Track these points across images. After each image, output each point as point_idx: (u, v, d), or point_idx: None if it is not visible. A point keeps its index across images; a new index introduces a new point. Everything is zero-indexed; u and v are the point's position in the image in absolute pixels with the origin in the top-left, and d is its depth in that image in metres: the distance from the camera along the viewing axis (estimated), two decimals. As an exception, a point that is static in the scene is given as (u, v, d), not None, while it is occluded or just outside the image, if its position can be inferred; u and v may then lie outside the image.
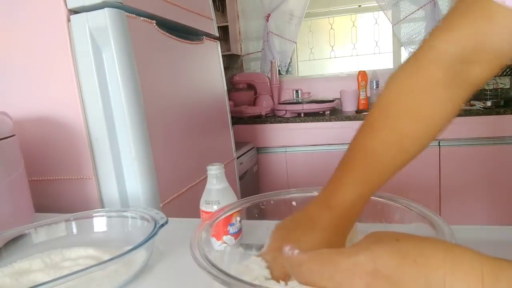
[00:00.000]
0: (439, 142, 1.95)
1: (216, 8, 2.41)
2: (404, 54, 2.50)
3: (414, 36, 2.41)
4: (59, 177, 0.92)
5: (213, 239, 0.52)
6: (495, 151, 1.90)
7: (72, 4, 0.84)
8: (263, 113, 2.29)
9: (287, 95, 2.67)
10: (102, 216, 0.64)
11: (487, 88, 2.14)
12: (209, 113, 1.36)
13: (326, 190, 0.42)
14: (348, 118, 2.09)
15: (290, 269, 0.29)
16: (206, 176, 0.56)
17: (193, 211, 0.67)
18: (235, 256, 0.46)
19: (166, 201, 1.00)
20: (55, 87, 0.89)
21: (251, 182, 2.05)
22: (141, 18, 0.97)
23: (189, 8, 1.22)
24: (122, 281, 0.48)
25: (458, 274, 0.24)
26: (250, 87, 2.51)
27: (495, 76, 2.14)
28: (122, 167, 0.91)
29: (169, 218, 0.56)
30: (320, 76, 2.69)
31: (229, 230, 0.52)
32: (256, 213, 0.52)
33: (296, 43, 2.62)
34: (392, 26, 2.42)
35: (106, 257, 0.51)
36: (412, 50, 2.43)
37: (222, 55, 1.53)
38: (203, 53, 1.35)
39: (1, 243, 0.58)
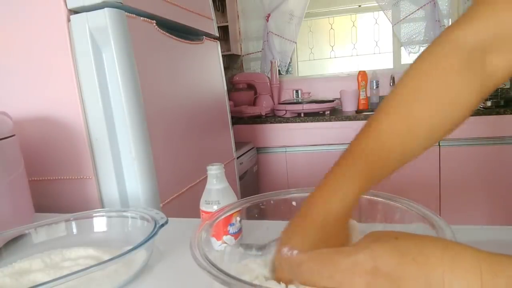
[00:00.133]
0: (439, 142, 1.95)
1: (216, 8, 2.41)
2: (404, 54, 2.50)
3: (414, 36, 2.41)
4: (59, 177, 0.92)
5: (213, 239, 0.52)
6: (495, 151, 1.90)
7: (72, 4, 0.84)
8: (263, 113, 2.29)
9: (287, 95, 2.68)
10: (102, 216, 0.64)
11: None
12: (209, 113, 1.36)
13: (326, 185, 0.40)
14: (348, 118, 2.09)
15: (289, 270, 0.29)
16: (206, 176, 0.56)
17: (193, 211, 0.67)
18: (235, 256, 0.46)
19: (166, 201, 1.00)
20: (55, 87, 0.89)
21: (251, 182, 2.05)
22: (141, 18, 0.97)
23: (189, 8, 1.22)
24: (122, 281, 0.48)
25: (457, 271, 0.24)
26: (250, 87, 2.52)
27: None
28: (122, 167, 0.91)
29: (169, 218, 0.56)
30: (320, 76, 2.69)
31: (229, 230, 0.52)
32: (256, 213, 0.52)
33: (296, 43, 2.62)
34: (392, 26, 2.42)
35: (106, 257, 0.51)
36: (412, 50, 2.43)
37: (222, 55, 1.53)
38: (203, 53, 1.35)
39: (1, 243, 0.58)
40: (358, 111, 2.36)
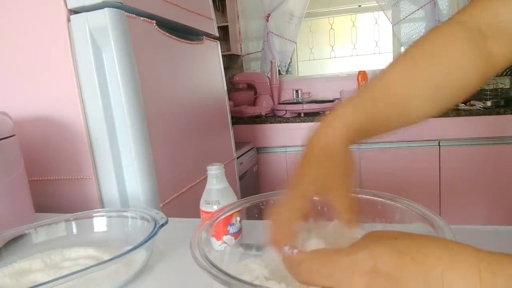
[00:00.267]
0: (439, 142, 1.95)
1: (216, 8, 2.41)
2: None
3: (414, 36, 2.40)
4: (59, 177, 0.92)
5: (213, 239, 0.52)
6: (495, 151, 1.90)
7: (72, 4, 0.84)
8: (263, 113, 2.29)
9: (287, 95, 2.67)
10: (102, 216, 0.64)
11: (487, 88, 2.14)
12: (209, 113, 1.36)
13: (333, 110, 0.42)
14: (348, 118, 2.08)
15: (289, 268, 0.29)
16: (206, 176, 0.56)
17: (193, 211, 0.67)
18: (235, 256, 0.46)
19: (166, 201, 1.00)
20: (55, 87, 0.89)
21: (251, 182, 2.05)
22: (141, 18, 0.97)
23: (189, 8, 1.22)
24: (122, 281, 0.48)
25: (456, 270, 0.24)
26: (250, 87, 2.52)
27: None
28: (122, 167, 0.91)
29: (169, 218, 0.56)
30: (320, 76, 2.69)
31: (229, 230, 0.52)
32: (256, 213, 0.52)
33: (296, 43, 2.62)
34: (392, 26, 2.42)
35: (106, 257, 0.51)
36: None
37: (222, 55, 1.53)
38: (203, 53, 1.35)
39: (1, 243, 0.58)
40: (358, 111, 2.36)
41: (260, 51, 2.67)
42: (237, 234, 0.53)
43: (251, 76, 2.53)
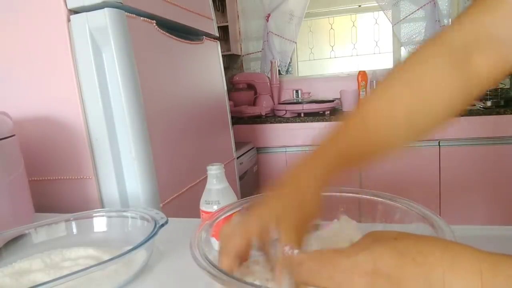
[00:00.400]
0: (439, 142, 1.95)
1: (216, 8, 2.41)
2: (404, 54, 2.50)
3: (414, 36, 2.41)
4: (59, 177, 0.92)
5: (213, 239, 0.52)
6: (495, 151, 1.90)
7: (72, 4, 0.84)
8: (263, 113, 2.29)
9: (287, 95, 2.67)
10: (102, 216, 0.64)
11: (487, 88, 2.13)
12: (209, 113, 1.36)
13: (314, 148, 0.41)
14: (348, 118, 2.08)
15: (289, 269, 0.29)
16: (206, 176, 0.56)
17: (193, 211, 0.67)
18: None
19: (166, 201, 1.00)
20: (55, 87, 0.89)
21: (251, 182, 2.05)
22: (141, 18, 0.97)
23: (189, 8, 1.22)
24: (122, 281, 0.48)
25: (457, 271, 0.24)
26: (250, 87, 2.51)
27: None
28: (122, 167, 0.91)
29: (169, 218, 0.56)
30: (320, 76, 2.69)
31: (229, 230, 0.52)
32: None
33: (296, 43, 2.62)
34: (392, 26, 2.42)
35: (106, 257, 0.51)
36: (411, 50, 2.43)
37: (222, 55, 1.53)
38: (203, 53, 1.35)
39: (1, 243, 0.58)
40: (358, 111, 2.36)
41: (260, 51, 2.67)
42: (237, 234, 0.53)
43: (251, 76, 2.53)
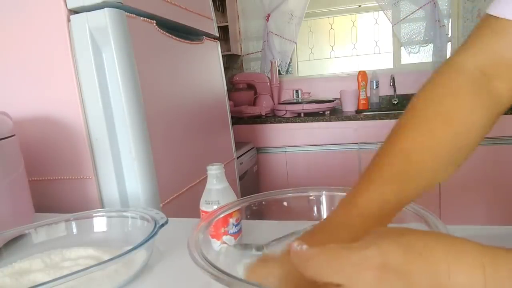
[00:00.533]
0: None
1: (216, 8, 2.41)
2: (404, 54, 2.50)
3: (414, 36, 2.40)
4: (59, 177, 0.92)
5: (213, 239, 0.52)
6: (495, 151, 1.90)
7: (72, 4, 0.85)
8: (263, 113, 2.29)
9: (287, 95, 2.68)
10: (102, 216, 0.64)
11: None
12: (209, 113, 1.36)
13: (352, 191, 0.40)
14: (348, 118, 2.09)
15: (298, 264, 0.29)
16: (206, 176, 0.56)
17: (193, 211, 0.67)
18: (235, 256, 0.46)
19: (166, 201, 1.00)
20: (55, 87, 0.89)
21: (251, 182, 2.05)
22: (141, 18, 0.97)
23: (189, 8, 1.22)
24: (122, 281, 0.48)
25: (461, 266, 0.25)
26: (250, 87, 2.52)
27: None
28: (122, 167, 0.91)
29: (169, 218, 0.56)
30: (320, 76, 2.69)
31: (228, 230, 0.52)
32: (255, 212, 0.52)
33: (296, 43, 2.62)
34: (392, 26, 2.42)
35: (106, 257, 0.51)
36: (412, 50, 2.43)
37: (222, 55, 1.53)
38: (203, 53, 1.35)
39: (1, 243, 0.58)
40: (358, 111, 2.36)
41: (260, 51, 2.67)
42: (237, 234, 0.53)
43: (251, 76, 2.53)
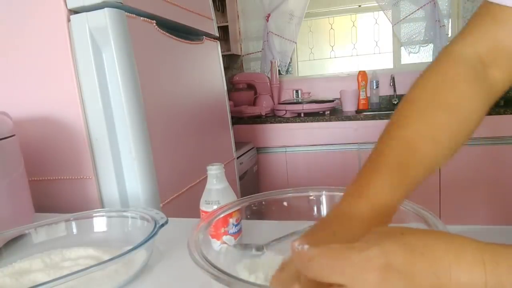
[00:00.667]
0: (439, 142, 1.94)
1: (216, 8, 2.41)
2: (404, 54, 2.50)
3: (414, 36, 2.40)
4: (59, 177, 0.92)
5: (213, 239, 0.52)
6: (495, 151, 1.90)
7: (72, 4, 0.85)
8: (263, 113, 2.29)
9: (287, 95, 2.68)
10: (102, 216, 0.64)
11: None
12: (209, 113, 1.36)
13: (356, 182, 0.39)
14: (348, 118, 2.09)
15: (300, 264, 0.29)
16: (206, 176, 0.56)
17: (193, 211, 0.67)
18: (235, 256, 0.46)
19: (166, 201, 1.00)
20: (55, 87, 0.89)
21: (251, 182, 2.05)
22: (141, 18, 0.97)
23: (189, 8, 1.22)
24: (122, 281, 0.48)
25: (461, 263, 0.25)
26: (250, 87, 2.52)
27: None
28: (122, 167, 0.91)
29: (169, 218, 0.56)
30: (320, 76, 2.69)
31: (228, 230, 0.52)
32: (255, 212, 0.52)
33: (296, 43, 2.62)
34: (392, 26, 2.42)
35: (106, 257, 0.51)
36: (412, 50, 2.43)
37: (222, 55, 1.53)
38: (203, 53, 1.35)
39: (1, 243, 0.58)
40: (358, 111, 2.36)
41: (260, 51, 2.67)
42: (237, 234, 0.53)
43: (251, 76, 2.53)
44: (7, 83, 0.91)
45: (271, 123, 2.18)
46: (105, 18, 0.84)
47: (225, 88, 1.53)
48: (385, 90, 2.49)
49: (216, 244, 0.51)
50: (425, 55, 2.45)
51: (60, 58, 0.86)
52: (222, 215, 0.49)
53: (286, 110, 2.21)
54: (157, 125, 0.99)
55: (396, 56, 2.54)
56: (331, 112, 2.29)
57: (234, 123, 2.05)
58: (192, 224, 0.44)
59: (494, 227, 0.56)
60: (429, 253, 0.26)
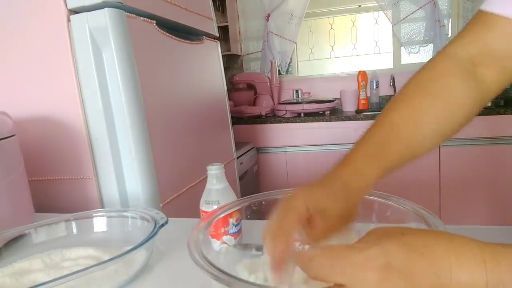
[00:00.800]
0: (439, 142, 1.95)
1: (216, 8, 2.41)
2: (404, 54, 2.50)
3: (414, 36, 2.40)
4: (59, 177, 0.92)
5: (213, 239, 0.52)
6: (495, 151, 1.90)
7: (72, 4, 0.85)
8: (263, 113, 2.29)
9: (287, 95, 2.68)
10: (102, 216, 0.64)
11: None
12: (209, 113, 1.36)
13: (345, 155, 0.44)
14: (348, 118, 2.09)
15: (300, 264, 0.29)
16: (206, 176, 0.56)
17: (193, 211, 0.67)
18: (235, 256, 0.46)
19: (166, 201, 1.00)
20: (55, 87, 0.89)
21: (251, 182, 2.05)
22: (141, 18, 0.97)
23: (189, 8, 1.22)
24: (122, 281, 0.48)
25: (462, 263, 0.25)
26: (250, 87, 2.52)
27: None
28: (122, 167, 0.91)
29: (169, 218, 0.56)
30: (320, 76, 2.69)
31: (228, 230, 0.52)
32: (255, 212, 0.52)
33: (296, 43, 2.62)
34: (392, 26, 2.42)
35: (106, 257, 0.51)
36: (412, 50, 2.43)
37: (222, 55, 1.53)
38: (203, 53, 1.35)
39: (1, 243, 0.58)
40: (358, 111, 2.36)
41: (260, 51, 2.67)
42: (237, 234, 0.53)
43: (251, 76, 2.53)
44: (7, 83, 0.91)
45: (271, 123, 2.18)
46: (105, 18, 0.84)
47: (225, 88, 1.53)
48: (385, 90, 2.49)
49: (216, 244, 0.51)
50: (425, 55, 2.45)
51: (60, 58, 0.86)
52: (222, 215, 0.49)
53: (286, 110, 2.21)
54: (157, 125, 0.99)
55: (396, 56, 2.54)
56: (331, 112, 2.29)
57: (234, 123, 2.05)
58: (192, 224, 0.44)
59: (494, 227, 0.56)
60: (430, 253, 0.26)
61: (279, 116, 2.23)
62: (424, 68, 0.48)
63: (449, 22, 2.36)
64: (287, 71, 2.69)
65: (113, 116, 0.89)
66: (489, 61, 0.45)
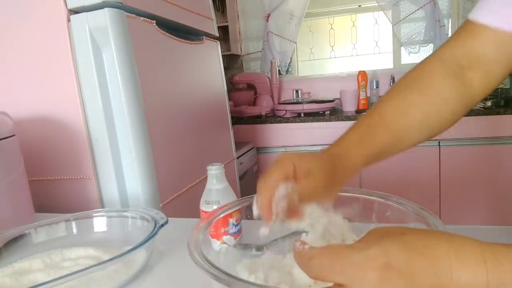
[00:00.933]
0: (439, 142, 1.95)
1: (216, 8, 2.41)
2: (404, 54, 2.50)
3: (414, 36, 2.40)
4: (59, 177, 0.92)
5: (213, 239, 0.52)
6: (495, 151, 1.90)
7: (72, 4, 0.85)
8: (263, 113, 2.29)
9: (287, 95, 2.67)
10: (102, 216, 0.65)
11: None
12: (209, 113, 1.36)
13: (335, 141, 0.47)
14: (348, 118, 2.09)
15: (300, 264, 0.29)
16: (206, 176, 0.56)
17: (193, 211, 0.67)
18: (235, 256, 0.46)
19: (166, 201, 1.00)
20: (55, 87, 0.89)
21: (251, 182, 2.05)
22: (141, 18, 0.97)
23: (189, 8, 1.22)
24: (122, 281, 0.48)
25: (463, 263, 0.25)
26: (250, 87, 2.51)
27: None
28: (122, 167, 0.91)
29: (169, 218, 0.56)
30: (320, 76, 2.69)
31: (228, 230, 0.52)
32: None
33: (296, 43, 2.62)
34: (392, 26, 2.42)
35: (106, 257, 0.51)
36: (412, 50, 2.43)
37: (222, 55, 1.53)
38: (203, 53, 1.35)
39: (1, 243, 0.58)
40: (358, 111, 2.36)
41: (260, 51, 2.67)
42: (237, 234, 0.53)
43: (251, 76, 2.53)
44: (7, 83, 0.91)
45: (271, 123, 2.18)
46: (105, 18, 0.84)
47: (225, 88, 1.53)
48: (385, 90, 2.46)
49: (216, 244, 0.51)
50: (425, 55, 2.42)
51: (60, 58, 0.86)
52: (222, 215, 0.49)
53: (286, 110, 2.21)
54: (157, 125, 0.99)
55: (396, 56, 2.54)
56: (331, 112, 2.29)
57: (234, 123, 2.05)
58: (192, 224, 0.44)
59: (494, 227, 0.56)
60: (430, 253, 0.26)
61: (279, 116, 2.23)
62: (415, 68, 0.51)
63: (449, 22, 2.36)
64: (287, 71, 2.69)
65: (113, 116, 0.89)
66: (474, 65, 0.48)
